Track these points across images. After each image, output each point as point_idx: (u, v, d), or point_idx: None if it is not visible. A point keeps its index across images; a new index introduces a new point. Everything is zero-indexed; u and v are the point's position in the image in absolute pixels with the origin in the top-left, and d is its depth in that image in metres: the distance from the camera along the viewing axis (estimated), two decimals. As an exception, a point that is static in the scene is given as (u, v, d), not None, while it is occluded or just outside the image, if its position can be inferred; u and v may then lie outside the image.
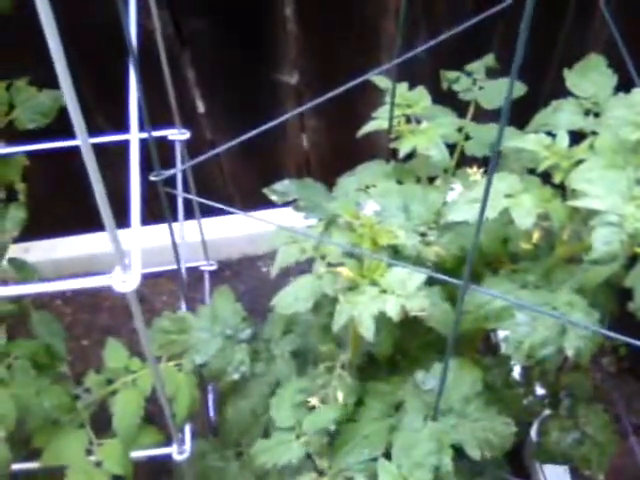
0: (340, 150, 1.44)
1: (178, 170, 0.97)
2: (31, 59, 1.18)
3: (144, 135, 0.77)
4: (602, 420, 0.92)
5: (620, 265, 0.68)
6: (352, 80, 0.90)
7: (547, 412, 0.95)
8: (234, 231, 1.61)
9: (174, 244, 0.79)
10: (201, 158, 0.83)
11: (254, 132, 0.85)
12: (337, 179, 0.93)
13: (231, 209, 0.70)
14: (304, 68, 1.34)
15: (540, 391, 0.96)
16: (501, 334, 0.87)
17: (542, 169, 0.72)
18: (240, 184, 1.57)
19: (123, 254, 0.64)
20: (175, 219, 1.30)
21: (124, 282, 0.65)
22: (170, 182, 0.80)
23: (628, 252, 0.64)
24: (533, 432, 1.00)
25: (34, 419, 0.89)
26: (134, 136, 0.76)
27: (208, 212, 1.49)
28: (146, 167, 0.73)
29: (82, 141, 0.54)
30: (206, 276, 1.47)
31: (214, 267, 1.47)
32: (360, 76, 0.92)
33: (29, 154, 1.12)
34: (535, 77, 0.95)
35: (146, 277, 1.55)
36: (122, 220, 0.71)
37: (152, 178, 0.67)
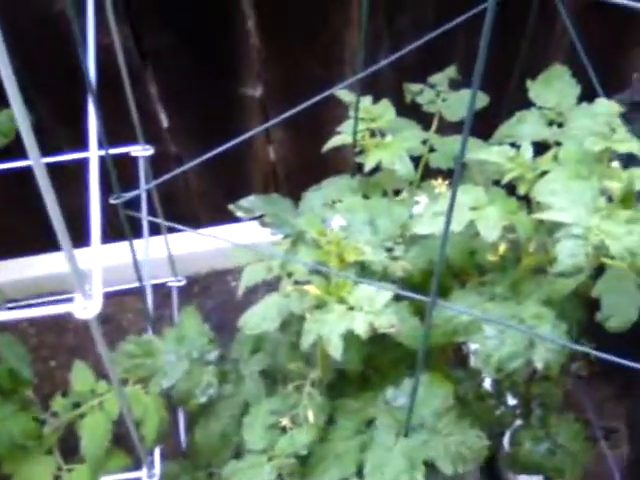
0: (307, 162, 1.43)
1: (142, 190, 0.96)
2: None
3: (107, 151, 0.76)
4: (574, 429, 0.92)
5: (587, 276, 0.68)
6: (317, 91, 0.89)
7: (519, 422, 0.95)
8: (202, 246, 1.59)
9: (136, 264, 0.78)
10: (165, 177, 0.82)
11: (220, 149, 0.84)
12: (303, 193, 0.93)
13: (189, 229, 0.69)
14: (268, 81, 1.34)
15: (512, 401, 0.96)
16: (472, 346, 0.87)
17: (506, 181, 0.72)
18: (207, 197, 1.56)
19: (83, 280, 0.63)
20: (140, 236, 1.28)
21: (85, 308, 0.63)
22: (134, 198, 0.79)
23: (594, 263, 0.64)
24: (506, 443, 0.99)
25: (1, 446, 0.87)
26: (93, 154, 0.74)
27: (174, 228, 1.48)
28: (109, 184, 0.71)
29: (34, 161, 0.52)
30: (174, 292, 1.45)
31: (182, 283, 1.46)
32: (324, 87, 0.91)
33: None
34: (499, 88, 0.95)
35: (112, 295, 1.54)
36: (87, 239, 0.69)
37: (112, 201, 0.66)
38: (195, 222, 1.58)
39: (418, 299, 0.62)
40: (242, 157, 1.47)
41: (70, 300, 0.65)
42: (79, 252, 0.76)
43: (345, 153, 1.23)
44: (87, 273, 0.67)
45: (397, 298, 0.70)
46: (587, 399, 1.41)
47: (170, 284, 1.45)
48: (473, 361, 0.71)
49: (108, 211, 0.72)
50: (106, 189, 0.68)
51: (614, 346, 0.73)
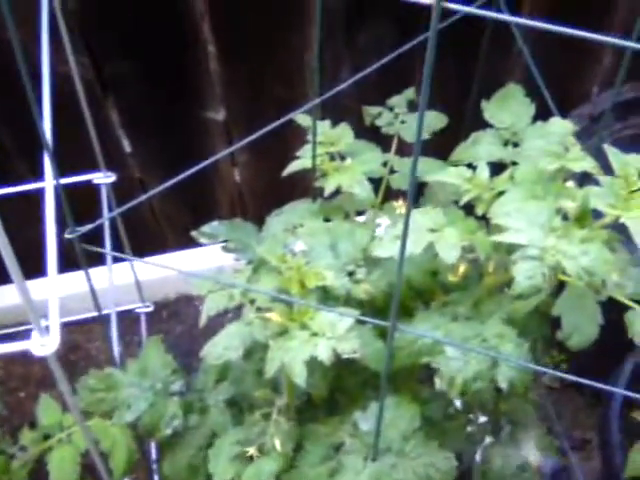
0: (273, 183, 1.43)
1: (105, 219, 0.95)
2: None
3: (65, 180, 0.75)
4: (544, 444, 0.92)
5: (547, 294, 0.68)
6: (280, 112, 0.89)
7: (489, 440, 0.95)
8: (169, 270, 1.58)
9: (93, 294, 0.77)
10: (128, 205, 0.81)
11: (185, 174, 0.83)
12: (267, 216, 0.92)
13: (134, 259, 0.68)
14: (230, 104, 1.34)
15: (482, 419, 0.96)
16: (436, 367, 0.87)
17: (464, 202, 0.73)
18: (173, 221, 1.55)
19: (39, 317, 0.62)
20: (105, 262, 1.27)
21: (43, 345, 0.62)
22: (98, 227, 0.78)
23: (553, 282, 0.64)
24: (478, 460, 0.99)
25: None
26: (49, 185, 0.74)
27: (141, 252, 1.47)
28: (72, 211, 0.70)
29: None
30: (142, 318, 1.44)
31: (150, 309, 1.45)
32: (287, 108, 0.91)
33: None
34: (459, 108, 0.96)
35: (79, 323, 1.52)
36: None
37: (67, 235, 0.65)
38: (162, 246, 1.57)
39: (379, 324, 0.62)
40: (207, 180, 1.47)
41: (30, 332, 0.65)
42: (40, 282, 0.75)
43: (310, 173, 1.24)
44: (45, 305, 0.67)
45: (360, 321, 0.70)
46: (559, 411, 1.42)
47: (138, 310, 1.44)
48: (437, 384, 0.71)
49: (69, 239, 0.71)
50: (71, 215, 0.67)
51: (584, 354, 0.74)
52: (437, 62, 0.46)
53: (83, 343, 1.53)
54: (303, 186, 0.96)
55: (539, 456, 0.91)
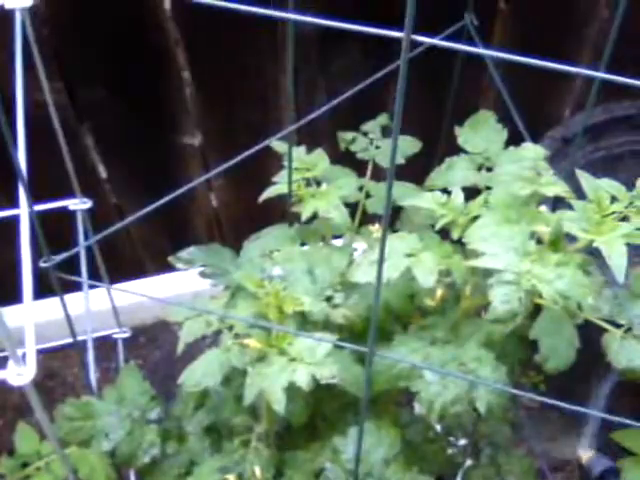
0: (250, 207, 1.43)
1: (81, 246, 0.95)
2: None
3: (41, 207, 0.75)
4: (524, 466, 0.92)
5: (524, 317, 0.69)
6: (255, 137, 0.89)
7: (469, 462, 0.95)
8: (147, 294, 1.57)
9: (69, 321, 0.76)
10: (105, 232, 0.81)
11: (162, 201, 0.83)
12: (245, 241, 0.92)
13: (108, 285, 0.68)
14: (206, 129, 1.34)
15: (462, 441, 0.96)
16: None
17: (439, 226, 0.73)
18: (150, 246, 1.54)
19: (15, 346, 0.61)
20: (81, 289, 1.27)
21: (19, 375, 0.62)
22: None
23: (529, 306, 0.65)
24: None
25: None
26: (23, 212, 0.73)
27: (118, 277, 1.46)
28: (48, 237, 0.70)
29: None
30: (120, 344, 1.43)
31: (127, 334, 1.44)
32: (263, 133, 0.92)
33: None
34: (431, 133, 0.97)
35: (56, 349, 1.50)
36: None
37: (42, 265, 0.65)
38: (139, 271, 1.56)
39: (357, 349, 0.62)
40: (184, 205, 1.47)
41: (7, 359, 0.64)
42: (16, 309, 0.74)
43: (287, 199, 1.24)
44: (21, 332, 0.66)
45: (339, 346, 0.70)
46: (538, 431, 1.42)
47: (115, 336, 1.43)
48: (417, 407, 0.72)
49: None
50: (46, 242, 0.67)
51: (562, 375, 0.74)
52: (410, 88, 0.46)
53: (60, 370, 1.52)
54: (280, 210, 0.96)
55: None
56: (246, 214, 1.48)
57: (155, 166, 1.38)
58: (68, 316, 0.76)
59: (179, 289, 1.52)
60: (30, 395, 0.65)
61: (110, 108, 1.27)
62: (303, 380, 0.66)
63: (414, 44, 0.43)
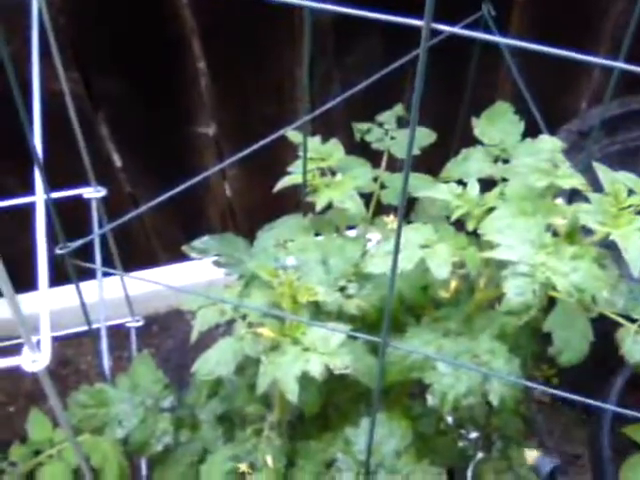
0: (264, 197, 1.43)
1: (95, 234, 0.95)
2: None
3: (56, 195, 0.75)
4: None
5: (537, 310, 0.68)
6: (270, 127, 0.89)
7: (481, 455, 0.95)
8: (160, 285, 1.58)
9: (84, 308, 0.77)
10: (119, 221, 0.81)
11: (176, 190, 0.84)
12: (259, 231, 0.92)
13: (122, 273, 0.68)
14: (221, 119, 1.34)
15: (473, 434, 0.96)
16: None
17: (454, 218, 0.73)
18: (163, 236, 1.55)
19: (30, 332, 0.62)
20: (95, 277, 1.27)
21: (34, 361, 0.62)
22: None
23: (543, 298, 0.65)
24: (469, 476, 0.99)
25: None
26: (39, 199, 0.74)
27: (131, 266, 1.46)
28: (63, 225, 0.70)
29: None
30: (132, 333, 1.44)
31: (140, 323, 1.44)
32: (277, 123, 0.92)
33: None
34: (449, 123, 0.97)
35: (70, 337, 1.51)
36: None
37: (57, 251, 0.65)
38: (152, 260, 1.56)
39: (370, 340, 0.62)
40: (198, 195, 1.47)
41: (22, 346, 0.64)
42: (31, 296, 0.75)
43: (302, 189, 1.24)
44: (36, 319, 0.66)
45: (352, 337, 0.70)
46: (550, 426, 1.42)
47: (128, 325, 1.44)
48: (430, 398, 0.71)
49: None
50: (62, 230, 0.67)
51: (575, 369, 0.74)
52: (426, 79, 0.46)
53: (73, 357, 1.53)
54: (294, 200, 0.96)
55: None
56: (260, 204, 1.48)
57: (169, 156, 1.38)
58: (83, 304, 0.76)
59: (193, 278, 1.52)
60: (44, 382, 0.66)
61: (125, 97, 1.27)
62: (316, 370, 0.66)
63: (433, 33, 0.42)
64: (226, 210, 1.52)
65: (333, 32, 1.26)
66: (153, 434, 0.80)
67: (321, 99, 0.90)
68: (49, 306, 0.67)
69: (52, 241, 0.71)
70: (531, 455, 0.86)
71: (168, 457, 0.81)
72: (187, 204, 1.47)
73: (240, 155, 0.83)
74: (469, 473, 0.97)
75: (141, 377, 0.83)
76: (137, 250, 1.53)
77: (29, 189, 0.89)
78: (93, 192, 1.14)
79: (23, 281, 0.94)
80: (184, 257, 1.09)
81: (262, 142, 0.87)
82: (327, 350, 0.68)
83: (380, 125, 0.95)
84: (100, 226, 1.18)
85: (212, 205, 1.51)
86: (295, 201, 0.95)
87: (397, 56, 0.88)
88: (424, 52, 0.43)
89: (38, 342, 0.64)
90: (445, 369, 0.71)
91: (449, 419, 0.93)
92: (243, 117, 1.34)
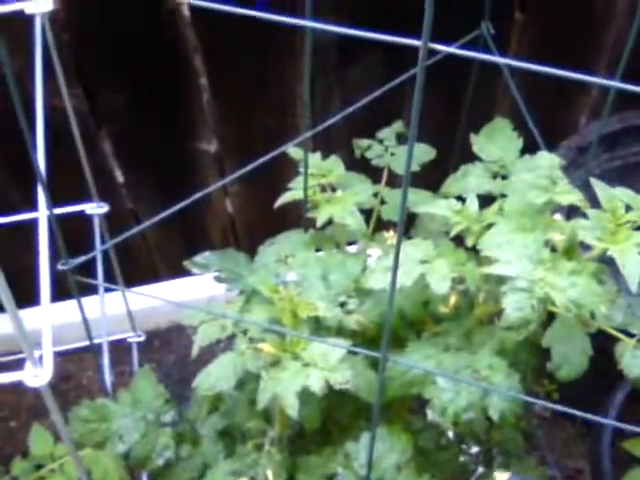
0: (265, 212, 1.44)
1: (98, 250, 0.96)
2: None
3: (59, 211, 0.76)
4: (536, 474, 0.92)
5: (537, 325, 0.69)
6: (271, 143, 0.90)
7: (482, 470, 0.95)
8: (161, 300, 1.58)
9: (86, 324, 0.77)
10: (121, 237, 0.82)
11: (178, 206, 0.84)
12: (260, 246, 0.93)
13: (124, 289, 0.69)
14: (222, 135, 1.35)
15: (474, 449, 0.96)
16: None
17: (454, 234, 0.74)
18: (165, 251, 1.55)
19: (32, 347, 0.62)
20: (97, 292, 1.27)
21: (36, 376, 0.63)
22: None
23: (542, 314, 0.65)
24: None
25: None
26: (42, 215, 0.74)
27: (133, 282, 1.47)
28: (64, 241, 0.71)
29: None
30: (134, 348, 1.44)
31: (142, 338, 1.45)
32: (279, 139, 0.93)
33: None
34: (448, 140, 0.97)
35: (71, 352, 1.51)
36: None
37: (59, 267, 0.66)
38: (154, 275, 1.57)
39: (370, 355, 0.63)
40: (199, 210, 1.48)
41: (24, 361, 0.65)
42: (33, 311, 0.76)
43: (302, 204, 1.24)
44: (38, 334, 0.67)
45: (352, 352, 0.70)
46: (550, 440, 1.42)
47: (130, 340, 1.44)
48: (430, 413, 0.72)
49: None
50: (64, 246, 0.68)
51: (575, 383, 0.74)
52: (425, 96, 0.47)
53: (75, 372, 1.53)
54: (295, 216, 0.97)
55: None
56: (261, 220, 1.49)
57: (171, 172, 1.39)
58: (85, 319, 0.77)
59: (194, 294, 1.53)
60: (46, 397, 0.66)
61: (128, 114, 1.28)
62: (317, 385, 0.67)
63: (431, 52, 0.43)
64: (227, 226, 1.53)
65: (334, 50, 1.28)
66: (154, 449, 0.80)
67: (321, 116, 0.91)
68: (51, 321, 0.68)
69: (54, 257, 0.72)
70: (502, 477, 0.86)
71: (169, 472, 0.81)
72: (189, 220, 1.48)
73: (241, 172, 0.84)
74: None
75: (142, 392, 0.84)
76: (138, 265, 1.54)
77: (31, 205, 0.90)
78: (96, 208, 1.14)
79: (25, 297, 0.94)
80: (185, 272, 1.10)
81: (263, 159, 0.88)
82: (327, 365, 0.68)
83: (380, 142, 0.96)
84: (102, 242, 1.19)
85: (213, 221, 1.51)
86: (296, 217, 0.96)
87: (397, 74, 0.89)
88: (421, 71, 0.44)
89: (40, 357, 0.64)
90: (445, 384, 0.71)
91: (450, 434, 0.93)
92: (244, 133, 1.35)
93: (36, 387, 0.62)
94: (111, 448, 0.78)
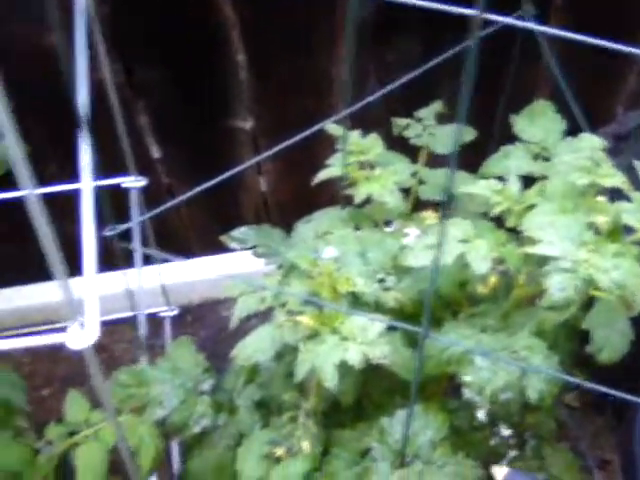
0: (298, 192, 1.44)
1: (135, 223, 0.97)
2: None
3: (99, 183, 0.77)
4: (567, 460, 0.92)
5: (577, 308, 0.69)
6: (307, 122, 0.91)
7: (513, 453, 0.95)
8: (195, 275, 1.60)
9: (130, 293, 0.79)
10: (158, 210, 0.83)
11: (213, 182, 0.85)
12: (295, 222, 0.94)
13: (180, 259, 0.70)
14: (258, 114, 1.35)
15: (506, 432, 0.96)
16: (464, 377, 0.87)
17: (494, 214, 0.73)
18: (199, 228, 1.56)
19: (77, 311, 0.63)
20: (132, 266, 1.29)
21: (80, 338, 0.64)
22: (127, 230, 0.79)
23: (583, 296, 0.65)
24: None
25: (-1, 473, 0.87)
26: (85, 186, 0.75)
27: (166, 257, 1.48)
28: (99, 213, 0.72)
29: (28, 194, 0.52)
30: (167, 322, 1.46)
31: (175, 312, 1.46)
32: (314, 119, 0.93)
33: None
34: (488, 120, 0.97)
35: (105, 324, 1.53)
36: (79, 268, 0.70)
37: (106, 234, 0.67)
38: (188, 252, 1.58)
39: (410, 330, 0.63)
40: (233, 187, 1.48)
41: (64, 330, 0.66)
42: (72, 281, 0.77)
43: (336, 183, 1.24)
44: (80, 302, 0.68)
45: (390, 329, 0.71)
46: (580, 430, 1.42)
47: (163, 314, 1.45)
48: (466, 393, 0.72)
49: (99, 241, 0.72)
50: (97, 218, 0.69)
51: (606, 376, 0.74)
52: (464, 77, 0.47)
53: (108, 344, 1.55)
54: (327, 194, 0.97)
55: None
56: (293, 198, 1.49)
57: (207, 148, 1.40)
58: (129, 288, 0.78)
59: (225, 270, 1.54)
60: (89, 359, 0.67)
61: (165, 89, 1.29)
62: (355, 359, 0.67)
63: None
64: (260, 204, 1.54)
65: (372, 28, 1.27)
66: (192, 416, 0.81)
67: (358, 95, 0.91)
68: (96, 286, 0.69)
69: (97, 226, 0.73)
70: (501, 472, 0.86)
71: (205, 439, 0.82)
72: (222, 197, 1.49)
73: (277, 149, 0.85)
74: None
75: (181, 360, 0.85)
76: (173, 241, 1.55)
77: (67, 177, 0.91)
78: (133, 181, 1.15)
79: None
80: (217, 249, 1.10)
81: (301, 135, 0.88)
82: (366, 340, 0.69)
83: (419, 121, 0.96)
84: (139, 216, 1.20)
85: (246, 198, 1.52)
86: (328, 195, 0.96)
87: (432, 54, 0.89)
88: (475, 42, 0.44)
89: (82, 323, 0.65)
90: (483, 363, 0.71)
91: (482, 415, 0.93)
92: (280, 112, 1.35)
93: (79, 349, 0.63)
94: (150, 413, 0.79)
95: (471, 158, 0.90)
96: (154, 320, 1.47)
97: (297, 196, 1.43)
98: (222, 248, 0.98)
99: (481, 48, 0.76)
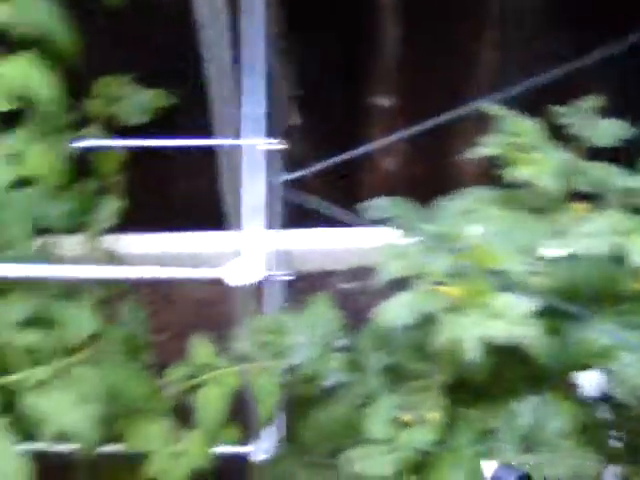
0: (428, 173, 1.44)
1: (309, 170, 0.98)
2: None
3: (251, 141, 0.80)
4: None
5: None
6: (446, 103, 0.90)
7: (629, 459, 0.92)
8: (310, 244, 1.62)
9: (282, 252, 0.81)
10: (298, 173, 0.84)
11: (345, 155, 0.86)
12: (430, 202, 0.93)
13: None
14: (400, 91, 1.35)
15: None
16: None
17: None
18: (326, 200, 1.57)
19: (238, 252, 0.65)
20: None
21: (240, 276, 0.66)
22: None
23: None
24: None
25: (121, 403, 0.90)
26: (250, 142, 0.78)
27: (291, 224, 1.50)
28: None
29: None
30: (280, 286, 1.48)
31: (291, 277, 1.48)
32: (453, 102, 0.92)
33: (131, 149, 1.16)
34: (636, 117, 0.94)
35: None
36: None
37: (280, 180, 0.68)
38: (311, 221, 1.60)
39: (565, 313, 0.62)
40: (364, 163, 1.49)
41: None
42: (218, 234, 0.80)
43: (464, 167, 1.23)
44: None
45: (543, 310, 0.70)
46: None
47: (279, 278, 1.48)
48: (607, 385, 0.71)
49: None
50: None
51: None
52: (628, 75, 0.46)
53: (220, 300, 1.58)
54: (456, 179, 0.96)
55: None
56: (424, 178, 1.48)
57: (344, 120, 1.41)
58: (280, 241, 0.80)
59: (346, 243, 1.56)
60: (246, 297, 0.69)
61: (310, 55, 1.30)
62: (500, 336, 0.67)
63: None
64: (391, 180, 1.53)
65: (528, 15, 1.26)
66: (325, 370, 0.83)
67: (499, 85, 0.90)
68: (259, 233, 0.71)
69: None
70: (490, 466, 0.83)
71: (332, 395, 0.83)
72: (351, 172, 1.50)
73: (419, 128, 0.84)
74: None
75: (319, 315, 0.86)
76: (301, 211, 1.57)
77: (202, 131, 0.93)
78: (276, 144, 1.17)
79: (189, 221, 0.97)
80: (340, 224, 1.11)
81: (449, 114, 0.88)
82: (512, 319, 0.68)
83: (577, 112, 0.94)
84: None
85: (376, 175, 1.52)
86: (456, 180, 0.95)
87: (582, 51, 0.87)
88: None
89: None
90: (629, 359, 0.70)
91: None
92: (423, 90, 1.35)
93: (239, 285, 0.66)
94: (284, 361, 0.81)
95: (627, 153, 0.88)
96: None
97: (427, 177, 1.43)
98: (343, 223, 0.98)
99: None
